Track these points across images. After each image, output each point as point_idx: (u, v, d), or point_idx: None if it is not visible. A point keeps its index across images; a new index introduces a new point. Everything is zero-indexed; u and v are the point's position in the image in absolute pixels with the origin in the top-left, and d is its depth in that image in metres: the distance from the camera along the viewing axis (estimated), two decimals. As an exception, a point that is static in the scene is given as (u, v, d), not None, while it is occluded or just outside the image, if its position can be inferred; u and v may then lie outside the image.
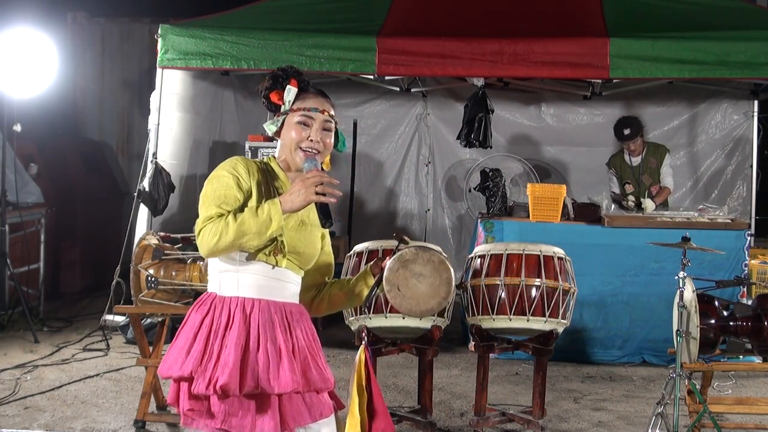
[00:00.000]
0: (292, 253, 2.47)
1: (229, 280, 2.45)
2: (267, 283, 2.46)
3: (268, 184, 2.49)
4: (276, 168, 2.55)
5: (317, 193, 2.33)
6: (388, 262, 2.54)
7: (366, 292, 2.62)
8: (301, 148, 2.49)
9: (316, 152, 2.49)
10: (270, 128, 2.54)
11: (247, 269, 2.44)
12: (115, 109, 9.72)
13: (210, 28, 6.20)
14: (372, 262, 2.64)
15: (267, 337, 2.40)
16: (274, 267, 2.45)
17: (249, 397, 2.35)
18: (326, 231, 2.63)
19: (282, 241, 2.44)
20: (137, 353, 4.79)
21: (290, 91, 2.52)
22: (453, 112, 7.94)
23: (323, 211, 2.41)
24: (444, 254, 2.56)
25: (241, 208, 2.36)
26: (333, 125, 2.55)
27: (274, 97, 2.53)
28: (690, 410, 4.28)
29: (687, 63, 5.86)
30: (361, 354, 2.59)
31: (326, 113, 2.52)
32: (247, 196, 2.41)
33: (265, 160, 2.58)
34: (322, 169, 2.48)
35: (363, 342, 2.65)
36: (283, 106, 2.53)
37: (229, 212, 2.34)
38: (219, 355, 2.34)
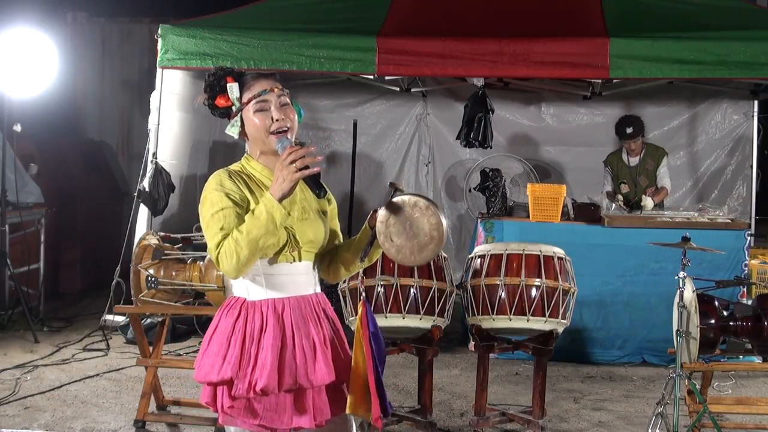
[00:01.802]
0: (306, 243, 2.49)
1: (256, 284, 2.46)
2: (292, 279, 2.48)
3: (256, 185, 2.48)
4: (256, 165, 2.52)
5: (299, 170, 2.30)
6: (379, 213, 2.50)
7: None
8: (271, 133, 2.45)
9: (286, 129, 2.45)
10: (233, 131, 2.49)
11: (272, 271, 2.45)
12: (115, 109, 9.72)
13: (210, 28, 6.20)
14: (370, 214, 2.59)
15: (301, 333, 2.44)
16: (293, 262, 2.46)
17: (287, 392, 2.41)
18: (325, 202, 2.61)
19: (294, 236, 2.45)
20: (137, 353, 4.79)
21: (233, 89, 2.46)
22: (453, 112, 7.94)
23: (314, 182, 2.38)
24: (431, 199, 2.50)
25: (243, 218, 2.35)
26: (288, 98, 2.50)
27: (221, 102, 2.47)
28: (690, 410, 4.28)
29: (687, 63, 5.86)
30: (359, 309, 2.55)
31: (276, 90, 2.47)
32: (245, 204, 2.41)
33: (243, 162, 2.54)
34: (296, 143, 2.44)
35: (361, 298, 2.59)
36: (233, 106, 2.48)
37: (232, 229, 2.33)
38: (256, 358, 2.38)
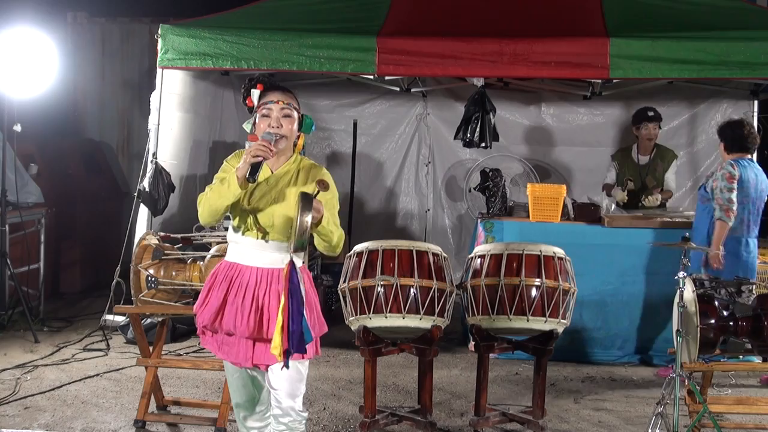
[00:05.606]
0: (268, 227, 3.06)
1: (230, 248, 3.19)
2: (258, 254, 3.09)
3: None
4: None
5: (253, 156, 2.93)
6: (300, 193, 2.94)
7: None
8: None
9: (278, 136, 3.06)
10: (248, 127, 3.17)
11: (240, 241, 3.13)
12: (115, 109, 9.73)
13: (210, 28, 6.20)
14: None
15: (243, 295, 3.05)
16: (259, 239, 3.07)
17: (243, 337, 3.07)
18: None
19: (255, 216, 3.06)
20: (137, 353, 4.79)
21: (255, 94, 3.14)
22: (453, 112, 7.94)
23: (253, 167, 2.95)
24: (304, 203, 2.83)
25: None
26: (292, 111, 3.11)
27: (248, 102, 3.17)
28: (690, 410, 4.29)
29: (687, 63, 5.86)
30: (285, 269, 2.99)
31: (281, 103, 3.09)
32: None
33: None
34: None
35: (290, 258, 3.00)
36: (254, 107, 3.15)
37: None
38: (208, 303, 3.12)
